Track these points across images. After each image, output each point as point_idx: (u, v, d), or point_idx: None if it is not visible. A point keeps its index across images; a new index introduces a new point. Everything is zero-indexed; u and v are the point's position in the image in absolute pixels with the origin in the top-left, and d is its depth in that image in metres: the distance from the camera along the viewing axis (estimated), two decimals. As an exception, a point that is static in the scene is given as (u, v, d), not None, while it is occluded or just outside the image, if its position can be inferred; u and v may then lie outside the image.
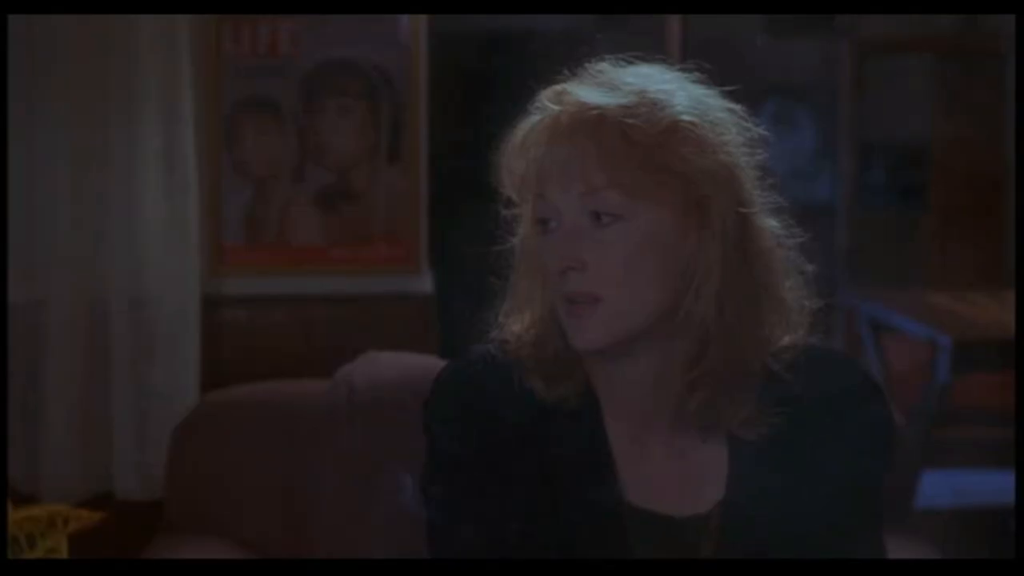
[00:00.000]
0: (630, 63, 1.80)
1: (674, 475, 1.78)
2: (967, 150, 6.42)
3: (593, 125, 1.70)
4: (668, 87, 1.74)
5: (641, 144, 1.69)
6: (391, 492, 2.49)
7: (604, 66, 1.79)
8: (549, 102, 1.75)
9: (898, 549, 2.39)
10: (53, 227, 3.27)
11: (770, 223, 1.77)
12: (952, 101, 6.49)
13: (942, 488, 4.85)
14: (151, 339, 3.33)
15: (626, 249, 1.70)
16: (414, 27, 3.48)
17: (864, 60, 6.37)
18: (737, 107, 1.80)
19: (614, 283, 1.70)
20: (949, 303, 4.97)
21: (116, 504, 3.28)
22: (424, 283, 3.54)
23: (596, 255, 1.70)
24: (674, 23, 5.23)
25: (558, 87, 1.76)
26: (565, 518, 1.75)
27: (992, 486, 4.74)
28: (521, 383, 1.77)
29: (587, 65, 1.80)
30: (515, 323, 1.81)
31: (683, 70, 1.81)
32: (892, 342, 5.18)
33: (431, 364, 2.02)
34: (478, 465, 1.77)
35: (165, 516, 2.66)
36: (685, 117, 1.72)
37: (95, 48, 3.27)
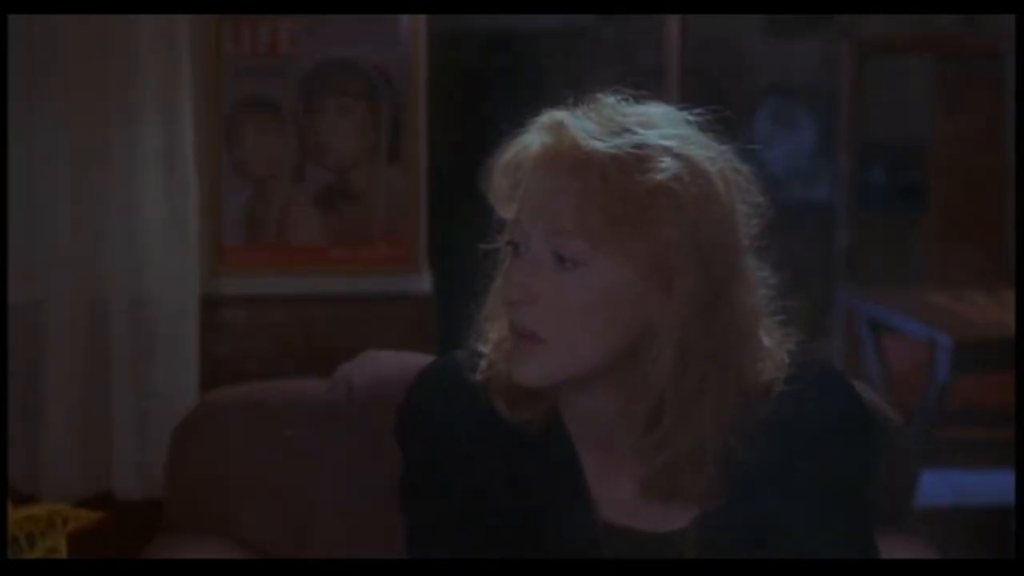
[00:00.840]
0: (640, 102, 1.76)
1: (646, 498, 1.76)
2: (967, 150, 6.42)
3: (580, 167, 1.66)
4: (670, 144, 1.69)
5: (619, 197, 1.65)
6: (391, 491, 2.49)
7: (611, 101, 1.74)
8: (545, 130, 1.71)
9: (898, 549, 2.39)
10: (53, 227, 3.27)
11: (747, 298, 1.72)
12: (952, 101, 6.48)
13: (942, 488, 4.86)
14: (151, 339, 3.33)
15: (579, 296, 1.67)
16: (414, 27, 3.48)
17: (864, 60, 6.37)
18: (744, 168, 1.74)
19: (559, 327, 1.67)
20: (949, 303, 4.97)
21: (116, 504, 3.29)
22: (423, 283, 3.54)
23: (549, 294, 1.67)
24: (673, 23, 5.23)
25: (558, 116, 1.72)
26: (539, 534, 1.74)
27: (992, 486, 4.75)
28: (485, 397, 1.77)
29: (597, 95, 1.76)
30: (491, 332, 1.80)
31: (700, 116, 1.76)
32: (892, 342, 5.17)
33: (431, 364, 2.02)
34: (447, 476, 1.76)
35: (165, 516, 2.66)
36: (672, 184, 1.67)
37: (95, 48, 3.27)
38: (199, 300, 3.36)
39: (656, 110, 1.75)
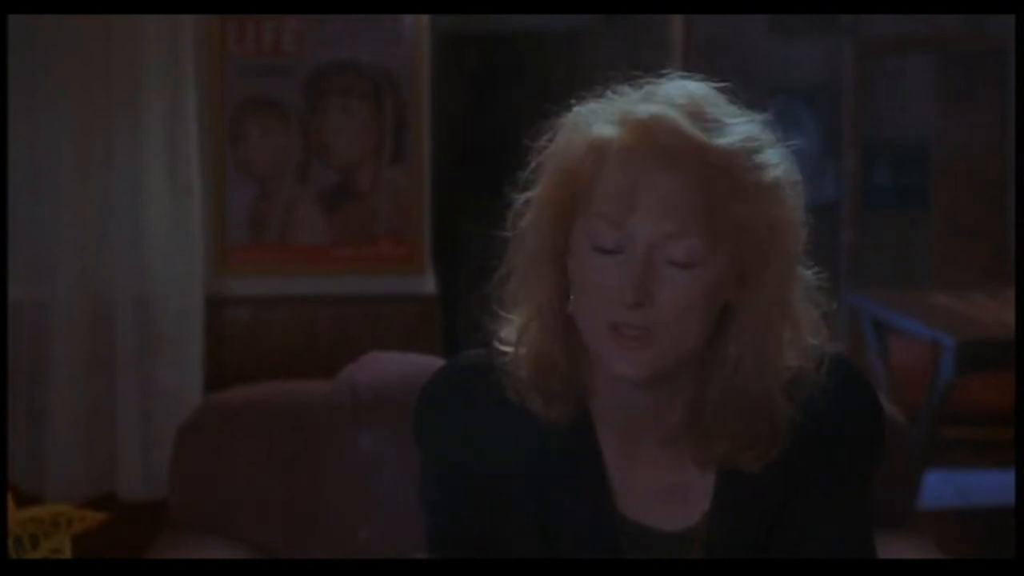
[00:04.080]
0: (685, 80, 1.72)
1: (664, 488, 1.77)
2: (970, 149, 6.42)
3: (705, 168, 1.64)
4: (758, 132, 1.69)
5: (743, 197, 1.65)
6: (394, 492, 2.49)
7: (672, 87, 1.71)
8: (654, 124, 1.66)
9: (898, 549, 2.39)
10: (58, 227, 3.27)
11: (805, 270, 1.74)
12: (956, 101, 6.49)
13: (945, 488, 4.86)
14: (155, 339, 3.33)
15: (691, 293, 1.66)
16: (418, 27, 3.48)
17: (867, 60, 6.37)
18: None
19: (670, 322, 1.67)
20: (952, 303, 4.97)
21: (120, 504, 3.29)
22: (428, 283, 3.54)
23: (663, 294, 1.66)
24: (677, 23, 5.23)
25: (653, 108, 1.68)
26: (558, 529, 1.75)
27: (995, 485, 4.75)
28: (515, 395, 1.76)
29: (650, 79, 1.72)
30: (521, 346, 1.78)
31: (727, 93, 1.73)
32: (895, 342, 5.18)
33: (434, 365, 2.02)
34: (468, 474, 1.76)
35: (168, 515, 2.67)
36: (781, 174, 1.68)
37: (99, 48, 3.27)
38: (203, 300, 3.37)
39: (707, 93, 1.72)
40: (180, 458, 2.65)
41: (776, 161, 1.68)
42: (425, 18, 3.49)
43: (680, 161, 1.65)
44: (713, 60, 5.71)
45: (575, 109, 1.73)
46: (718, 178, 1.65)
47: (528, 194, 1.75)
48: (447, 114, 3.83)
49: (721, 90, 1.74)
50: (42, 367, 3.30)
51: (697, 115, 1.68)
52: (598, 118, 1.71)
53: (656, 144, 1.66)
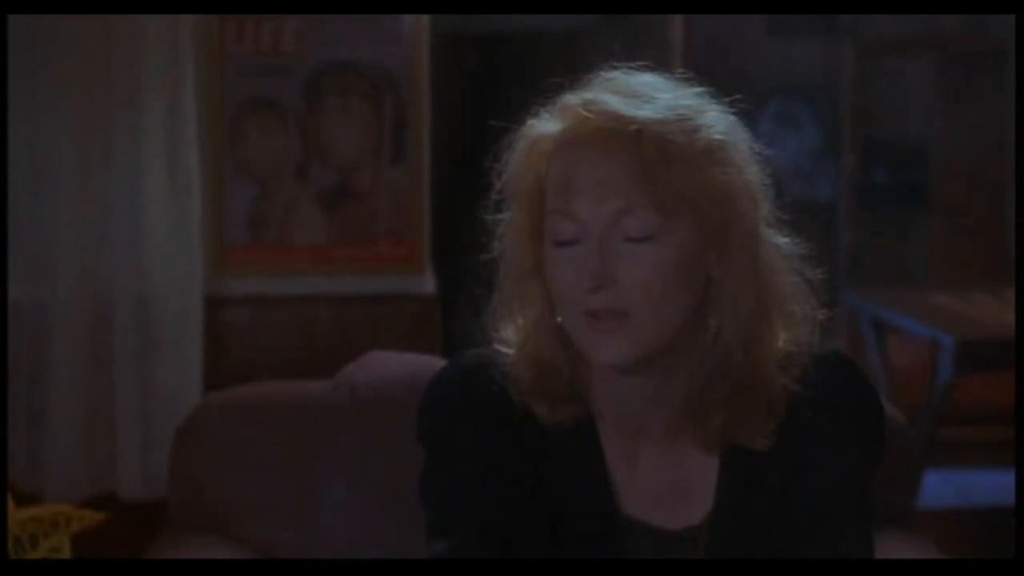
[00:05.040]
0: (637, 71, 1.75)
1: (666, 486, 1.77)
2: (969, 148, 6.42)
3: (634, 140, 1.66)
4: (694, 102, 1.71)
5: (679, 162, 1.66)
6: (392, 492, 2.49)
7: (617, 74, 1.74)
8: (582, 110, 1.69)
9: (898, 549, 2.39)
10: (58, 227, 3.28)
11: (780, 237, 1.75)
12: (955, 100, 6.49)
13: (945, 488, 4.86)
14: (155, 339, 3.33)
15: (656, 267, 1.67)
16: (417, 27, 3.48)
17: (867, 60, 6.37)
18: (738, 120, 1.76)
19: (642, 299, 1.67)
20: (951, 302, 4.97)
21: (119, 504, 3.29)
22: (427, 283, 3.54)
23: (626, 272, 1.67)
24: (677, 23, 5.23)
25: (587, 95, 1.71)
26: (561, 529, 1.75)
27: (995, 485, 4.75)
28: (518, 395, 1.76)
29: (599, 72, 1.75)
30: (522, 355, 1.78)
31: (687, 80, 1.77)
32: (895, 341, 5.17)
33: (434, 364, 2.02)
34: (471, 473, 1.77)
35: (168, 516, 2.67)
36: (719, 136, 1.69)
37: (99, 48, 3.27)
38: (202, 300, 3.37)
39: (656, 79, 1.75)
40: (179, 458, 2.65)
41: (710, 124, 1.69)
42: (425, 18, 3.49)
43: (608, 137, 1.67)
44: (713, 60, 5.72)
45: (527, 123, 1.74)
46: (648, 148, 1.66)
47: (502, 215, 1.77)
48: (447, 114, 3.83)
49: (716, 92, 1.75)
50: (42, 367, 3.30)
51: (625, 92, 1.70)
52: (542, 121, 1.73)
53: (583, 126, 1.68)
